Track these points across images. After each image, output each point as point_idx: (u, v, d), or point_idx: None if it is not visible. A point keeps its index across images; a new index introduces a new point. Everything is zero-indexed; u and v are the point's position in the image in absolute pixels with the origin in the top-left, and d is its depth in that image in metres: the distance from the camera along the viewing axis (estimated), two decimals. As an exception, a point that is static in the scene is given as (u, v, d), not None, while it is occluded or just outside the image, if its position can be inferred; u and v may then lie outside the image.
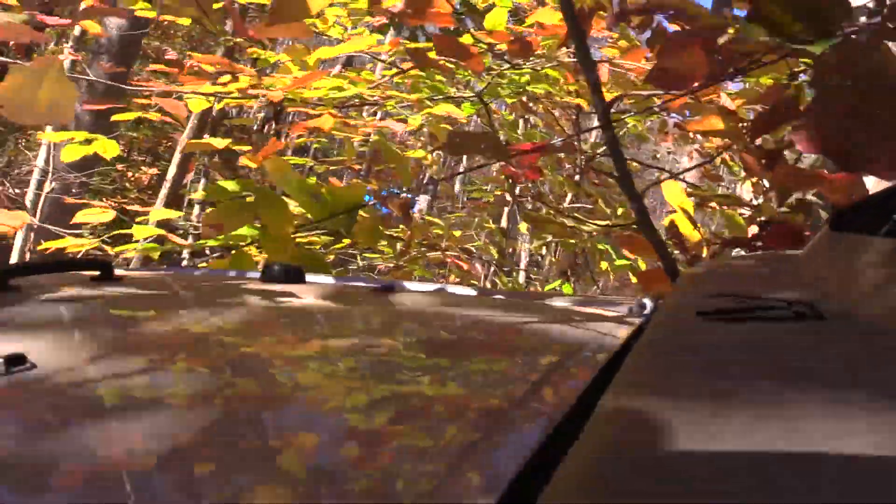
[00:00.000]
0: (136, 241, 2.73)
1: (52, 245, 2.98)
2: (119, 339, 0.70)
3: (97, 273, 1.02)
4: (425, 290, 1.17)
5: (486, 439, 0.44)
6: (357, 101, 3.06)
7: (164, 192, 5.04)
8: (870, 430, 0.34)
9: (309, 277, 1.16)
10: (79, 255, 2.97)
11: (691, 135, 5.01)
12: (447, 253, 3.54)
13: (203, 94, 2.77)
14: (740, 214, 3.04)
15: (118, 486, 0.38)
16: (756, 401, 0.40)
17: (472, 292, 1.40)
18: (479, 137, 2.36)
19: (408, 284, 1.16)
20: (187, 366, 0.62)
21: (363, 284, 1.19)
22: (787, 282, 0.81)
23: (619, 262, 3.73)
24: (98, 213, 2.82)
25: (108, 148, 2.88)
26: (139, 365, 0.60)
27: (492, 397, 0.56)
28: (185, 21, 3.64)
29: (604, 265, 3.77)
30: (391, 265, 3.99)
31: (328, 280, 1.25)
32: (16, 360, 0.53)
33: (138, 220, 3.33)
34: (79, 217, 2.81)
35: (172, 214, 2.66)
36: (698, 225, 3.35)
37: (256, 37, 2.34)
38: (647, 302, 0.88)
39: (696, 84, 2.19)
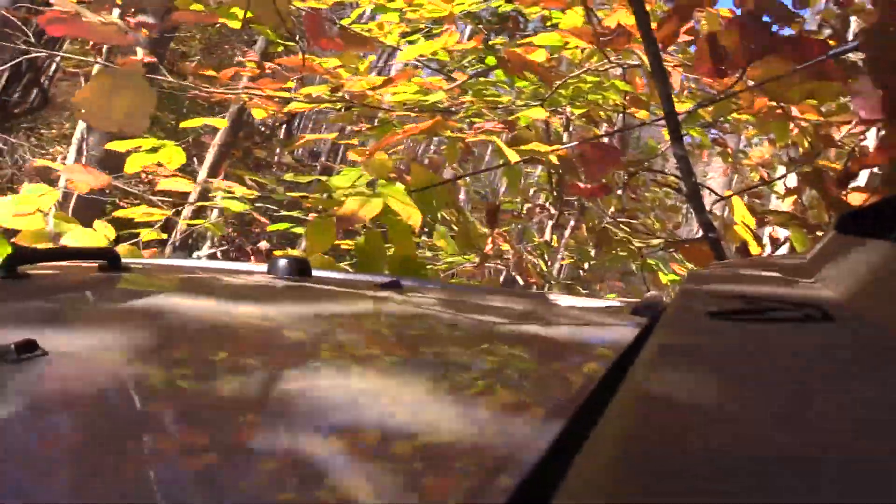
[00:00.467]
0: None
1: (124, 214, 2.95)
2: (128, 327, 0.70)
3: (104, 262, 1.02)
4: (430, 289, 1.17)
5: (495, 439, 0.43)
6: (426, 105, 3.04)
7: (193, 195, 4.96)
8: (873, 431, 0.34)
9: (314, 272, 1.16)
10: (156, 224, 2.96)
11: (728, 150, 5.05)
12: (510, 260, 3.52)
13: (281, 97, 2.74)
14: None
15: (132, 476, 0.37)
16: (764, 401, 0.40)
17: (477, 292, 1.40)
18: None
19: (414, 282, 1.16)
20: (199, 354, 0.61)
21: (370, 280, 1.20)
22: (795, 284, 0.81)
23: (670, 276, 3.75)
24: (178, 183, 2.81)
25: (174, 156, 2.83)
26: (150, 352, 0.60)
27: (500, 397, 0.55)
28: (236, 24, 3.61)
29: (663, 278, 3.79)
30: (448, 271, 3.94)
31: (334, 275, 1.25)
32: (27, 347, 0.52)
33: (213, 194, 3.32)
34: (161, 185, 2.80)
35: (248, 198, 2.67)
36: (763, 242, 3.36)
37: (331, 48, 2.36)
38: (655, 302, 0.87)
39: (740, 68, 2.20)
